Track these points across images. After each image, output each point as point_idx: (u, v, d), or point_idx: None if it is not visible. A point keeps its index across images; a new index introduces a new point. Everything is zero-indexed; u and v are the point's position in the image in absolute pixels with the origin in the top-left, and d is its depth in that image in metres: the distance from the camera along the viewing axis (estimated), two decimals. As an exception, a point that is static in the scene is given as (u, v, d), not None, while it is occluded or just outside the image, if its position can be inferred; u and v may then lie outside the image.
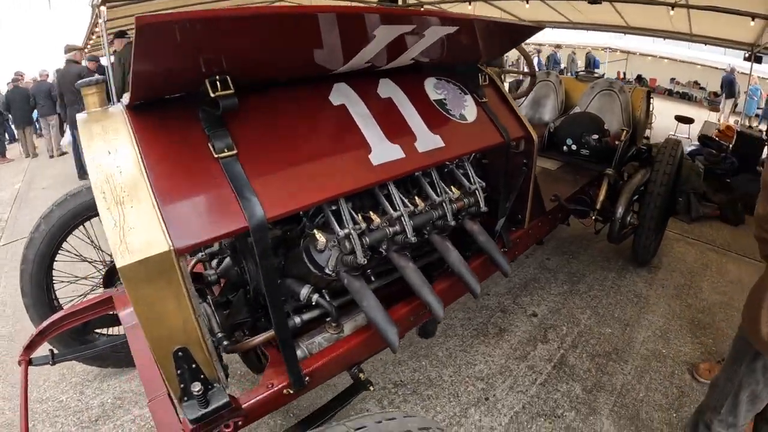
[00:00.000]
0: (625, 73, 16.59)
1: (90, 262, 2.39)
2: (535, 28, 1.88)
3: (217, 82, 1.06)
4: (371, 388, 1.48)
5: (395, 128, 1.46)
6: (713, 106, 10.91)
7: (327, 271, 1.30)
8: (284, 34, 1.08)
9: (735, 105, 10.55)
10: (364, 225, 1.32)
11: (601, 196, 2.97)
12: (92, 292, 2.41)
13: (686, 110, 9.86)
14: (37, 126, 9.68)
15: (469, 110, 1.80)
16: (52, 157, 8.36)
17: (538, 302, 2.97)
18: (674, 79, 16.55)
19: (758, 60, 7.09)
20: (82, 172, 6.47)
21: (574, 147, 3.26)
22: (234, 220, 1.08)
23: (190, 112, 1.18)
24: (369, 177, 1.31)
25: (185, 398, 1.17)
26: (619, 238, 3.06)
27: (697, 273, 3.50)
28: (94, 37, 8.33)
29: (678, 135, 8.03)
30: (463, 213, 1.69)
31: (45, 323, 1.87)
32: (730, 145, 5.75)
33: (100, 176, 1.04)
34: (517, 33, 1.95)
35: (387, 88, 1.55)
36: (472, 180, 1.69)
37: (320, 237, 1.24)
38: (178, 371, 1.14)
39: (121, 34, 5.85)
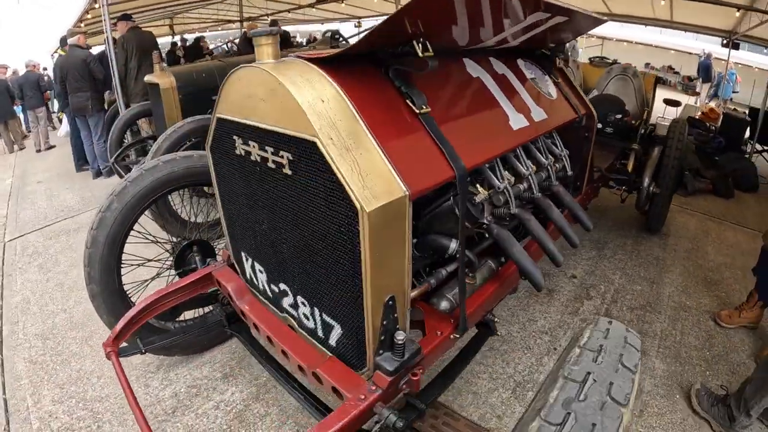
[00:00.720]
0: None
1: (160, 244, 2.20)
2: (601, 19, 2.12)
3: (419, 44, 1.10)
4: (498, 333, 1.63)
5: (515, 100, 1.67)
6: (690, 90, 11.54)
7: (484, 221, 1.45)
8: (489, 6, 1.15)
9: (710, 89, 11.21)
10: (513, 180, 1.51)
11: (630, 168, 3.29)
12: (157, 277, 2.20)
13: (663, 94, 10.41)
14: (23, 118, 9.13)
15: (551, 89, 2.03)
16: (39, 151, 8.00)
17: (574, 266, 3.28)
18: (649, 63, 17.24)
19: (735, 46, 7.60)
20: (82, 162, 6.27)
21: (599, 125, 3.55)
22: (445, 170, 1.18)
23: (373, 69, 1.24)
24: (512, 140, 1.51)
25: (380, 351, 1.18)
26: (644, 205, 3.41)
27: (700, 239, 3.91)
28: (82, 25, 7.85)
29: (666, 116, 8.51)
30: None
31: (139, 307, 1.68)
32: (717, 126, 6.24)
33: (322, 121, 1.04)
34: (586, 23, 2.18)
35: (498, 66, 1.75)
36: (560, 148, 1.93)
37: (482, 191, 1.40)
38: (384, 321, 1.14)
39: (125, 17, 5.59)
